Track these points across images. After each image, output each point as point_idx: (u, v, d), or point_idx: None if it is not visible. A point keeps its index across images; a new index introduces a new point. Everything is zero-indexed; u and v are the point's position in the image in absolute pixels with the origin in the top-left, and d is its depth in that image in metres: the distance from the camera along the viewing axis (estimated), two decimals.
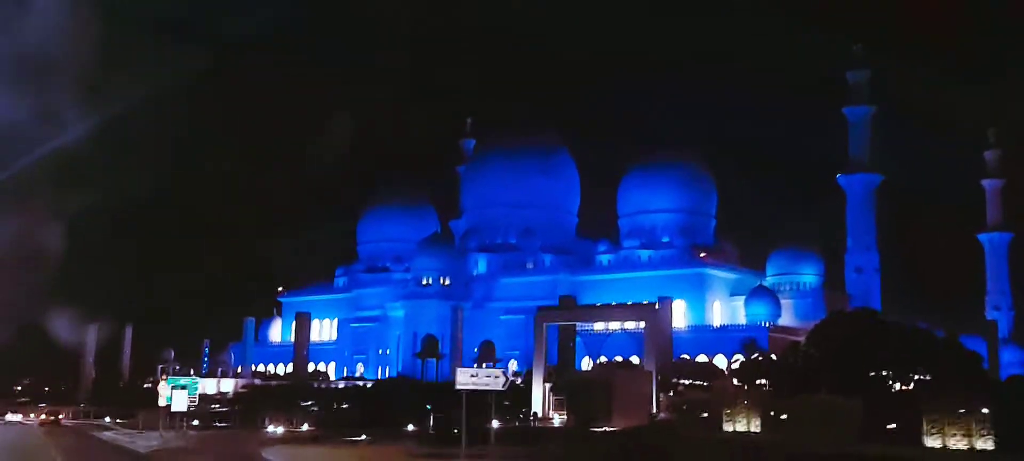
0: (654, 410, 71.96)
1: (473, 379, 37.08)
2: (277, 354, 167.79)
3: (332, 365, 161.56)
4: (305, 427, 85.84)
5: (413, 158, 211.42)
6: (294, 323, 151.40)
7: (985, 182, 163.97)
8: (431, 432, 67.67)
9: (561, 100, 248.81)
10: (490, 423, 67.48)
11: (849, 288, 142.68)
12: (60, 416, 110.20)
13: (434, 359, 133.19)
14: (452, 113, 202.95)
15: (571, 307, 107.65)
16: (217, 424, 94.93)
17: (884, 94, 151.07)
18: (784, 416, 55.04)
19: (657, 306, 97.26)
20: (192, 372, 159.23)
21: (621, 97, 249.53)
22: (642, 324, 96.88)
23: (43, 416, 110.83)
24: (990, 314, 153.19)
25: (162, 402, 79.09)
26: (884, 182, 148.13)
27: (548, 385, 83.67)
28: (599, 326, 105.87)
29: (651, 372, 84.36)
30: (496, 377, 35.84)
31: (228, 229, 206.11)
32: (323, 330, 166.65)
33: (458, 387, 37.09)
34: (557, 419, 79.21)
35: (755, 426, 53.13)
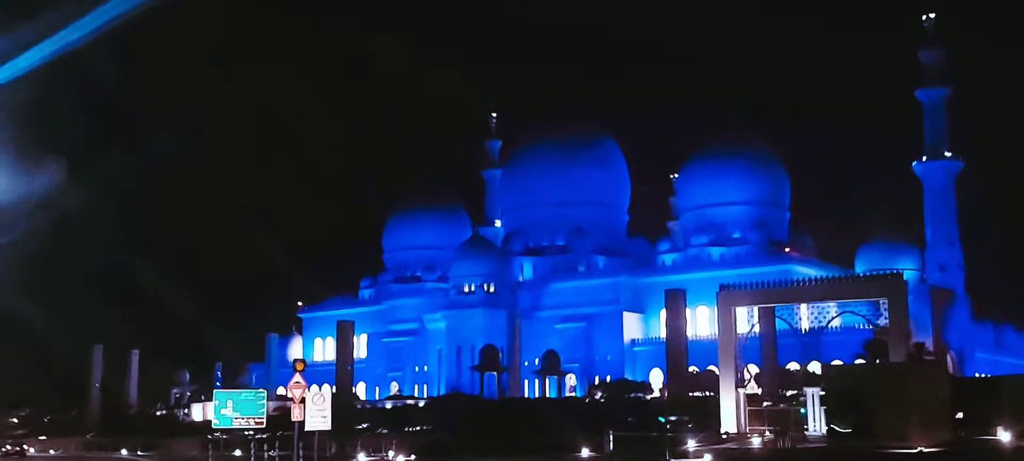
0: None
1: None
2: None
3: (362, 385, 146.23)
4: (401, 458, 70.34)
5: (433, 164, 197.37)
6: (335, 338, 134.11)
7: None
8: None
9: (596, 87, 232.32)
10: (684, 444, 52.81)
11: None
12: (25, 446, 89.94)
13: (495, 372, 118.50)
14: (475, 110, 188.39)
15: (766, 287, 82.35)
16: (269, 454, 78.85)
17: (961, 73, 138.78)
18: None
19: (903, 275, 76.56)
20: (202, 397, 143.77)
21: (663, 82, 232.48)
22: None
23: (6, 448, 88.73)
24: None
25: (216, 421, 57.71)
26: (964, 170, 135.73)
27: (742, 391, 67.59)
28: (804, 320, 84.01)
29: (945, 366, 64.80)
30: None
31: (236, 240, 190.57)
32: None
33: None
34: (756, 439, 62.70)
35: None
